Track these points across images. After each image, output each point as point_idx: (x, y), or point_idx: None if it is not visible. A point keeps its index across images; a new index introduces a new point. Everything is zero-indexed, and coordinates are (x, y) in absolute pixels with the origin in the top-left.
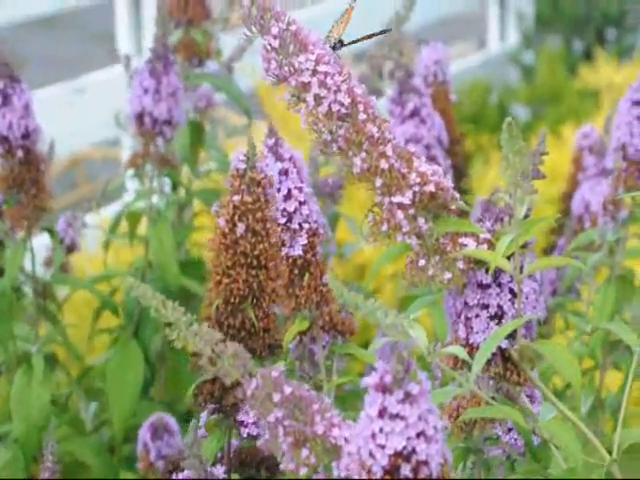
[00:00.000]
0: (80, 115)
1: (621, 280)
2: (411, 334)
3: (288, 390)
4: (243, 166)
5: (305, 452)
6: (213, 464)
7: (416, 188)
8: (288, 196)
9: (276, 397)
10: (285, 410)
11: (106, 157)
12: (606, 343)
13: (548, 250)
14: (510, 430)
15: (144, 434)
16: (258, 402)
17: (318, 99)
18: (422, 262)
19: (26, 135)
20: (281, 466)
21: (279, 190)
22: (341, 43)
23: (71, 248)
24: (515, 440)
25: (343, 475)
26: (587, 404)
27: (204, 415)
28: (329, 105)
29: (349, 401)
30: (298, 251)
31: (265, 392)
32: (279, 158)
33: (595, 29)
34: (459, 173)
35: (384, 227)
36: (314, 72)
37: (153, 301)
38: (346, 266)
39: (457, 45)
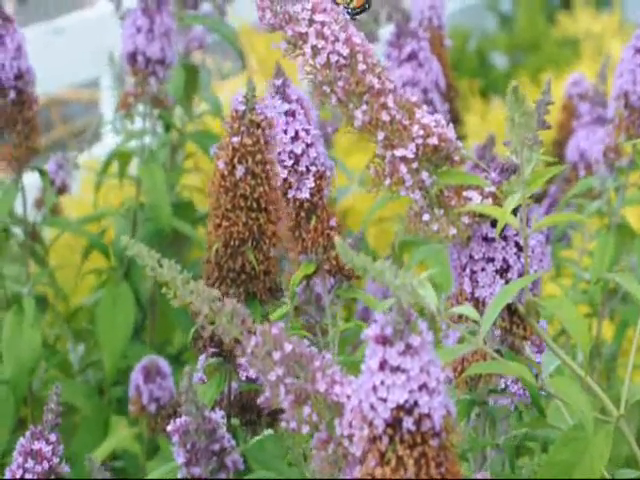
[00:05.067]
0: (56, 56)
1: (620, 229)
2: (421, 294)
3: (289, 347)
4: (242, 107)
5: (307, 410)
6: (212, 409)
7: (419, 141)
8: (295, 138)
9: (276, 355)
10: (286, 368)
11: (83, 99)
12: (604, 292)
13: (540, 197)
14: (518, 380)
15: (136, 377)
16: (258, 360)
17: (316, 50)
18: (426, 216)
19: (19, 76)
20: (282, 424)
21: (286, 132)
22: (360, 10)
23: (62, 190)
24: (523, 390)
25: (346, 432)
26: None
27: (202, 358)
28: (327, 56)
29: (341, 345)
30: (305, 194)
31: (265, 350)
32: (286, 99)
33: None
34: (453, 119)
35: (387, 181)
36: (311, 22)
37: (149, 260)
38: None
39: None
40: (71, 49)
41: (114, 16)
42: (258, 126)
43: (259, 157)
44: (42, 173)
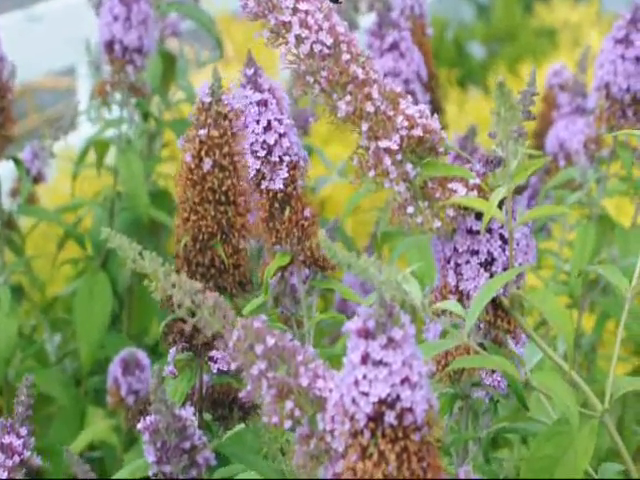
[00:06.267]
0: (33, 44)
1: (601, 220)
2: (406, 289)
3: (271, 341)
4: (209, 99)
5: (289, 404)
6: (183, 404)
7: (403, 132)
8: (268, 128)
9: (259, 349)
10: (268, 362)
11: (58, 87)
12: (585, 283)
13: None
14: (493, 372)
15: (115, 369)
16: (240, 354)
17: (299, 39)
18: (410, 209)
19: None
20: (264, 419)
21: (258, 122)
22: None
23: (38, 179)
24: (498, 382)
25: (328, 427)
26: (564, 345)
27: (173, 351)
28: (311, 45)
29: (318, 337)
30: (279, 185)
31: (247, 343)
32: (258, 88)
33: None
34: (435, 108)
35: (371, 173)
36: (294, 10)
37: (130, 252)
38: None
39: None
40: (47, 37)
41: (90, 3)
42: (225, 117)
43: (227, 149)
44: (17, 162)
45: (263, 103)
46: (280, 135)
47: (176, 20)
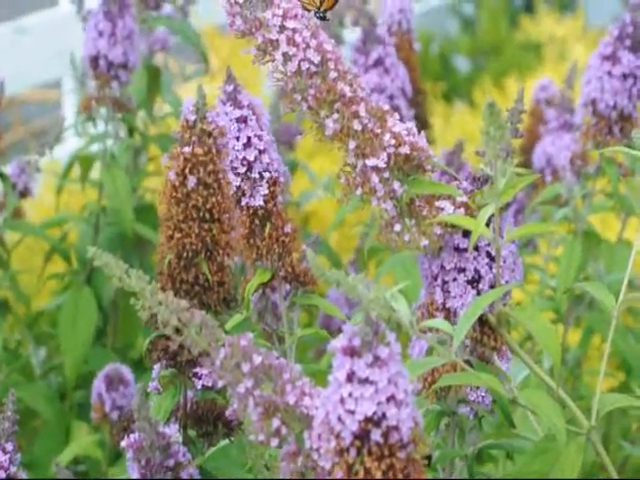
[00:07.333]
0: (18, 57)
1: (587, 235)
2: (395, 307)
3: (258, 360)
4: (193, 117)
5: (276, 422)
6: (168, 421)
7: (390, 150)
8: (247, 144)
9: (245, 367)
10: (255, 380)
11: (44, 99)
12: (570, 298)
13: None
14: (477, 388)
15: (99, 385)
16: (227, 372)
17: (287, 57)
18: (398, 227)
19: None
20: (250, 437)
21: (238, 138)
22: (324, 13)
23: (24, 193)
24: (482, 398)
25: (315, 445)
26: (549, 360)
27: (157, 367)
28: (298, 63)
29: (302, 351)
30: (259, 201)
31: (234, 362)
32: (237, 105)
33: None
34: (422, 124)
35: (358, 191)
36: (282, 28)
37: (117, 270)
38: (291, 213)
39: None
40: (33, 50)
41: (77, 17)
42: (210, 135)
43: (211, 167)
44: (3, 177)
45: (242, 119)
46: (260, 151)
47: (165, 35)
